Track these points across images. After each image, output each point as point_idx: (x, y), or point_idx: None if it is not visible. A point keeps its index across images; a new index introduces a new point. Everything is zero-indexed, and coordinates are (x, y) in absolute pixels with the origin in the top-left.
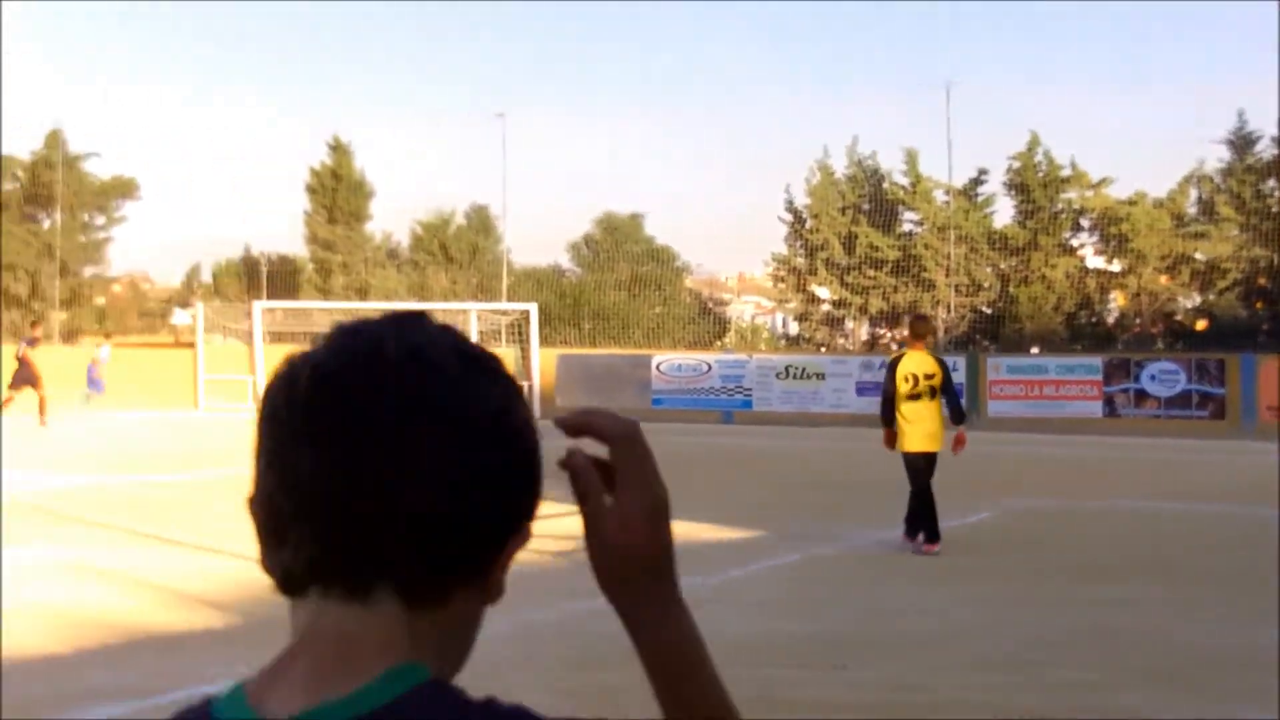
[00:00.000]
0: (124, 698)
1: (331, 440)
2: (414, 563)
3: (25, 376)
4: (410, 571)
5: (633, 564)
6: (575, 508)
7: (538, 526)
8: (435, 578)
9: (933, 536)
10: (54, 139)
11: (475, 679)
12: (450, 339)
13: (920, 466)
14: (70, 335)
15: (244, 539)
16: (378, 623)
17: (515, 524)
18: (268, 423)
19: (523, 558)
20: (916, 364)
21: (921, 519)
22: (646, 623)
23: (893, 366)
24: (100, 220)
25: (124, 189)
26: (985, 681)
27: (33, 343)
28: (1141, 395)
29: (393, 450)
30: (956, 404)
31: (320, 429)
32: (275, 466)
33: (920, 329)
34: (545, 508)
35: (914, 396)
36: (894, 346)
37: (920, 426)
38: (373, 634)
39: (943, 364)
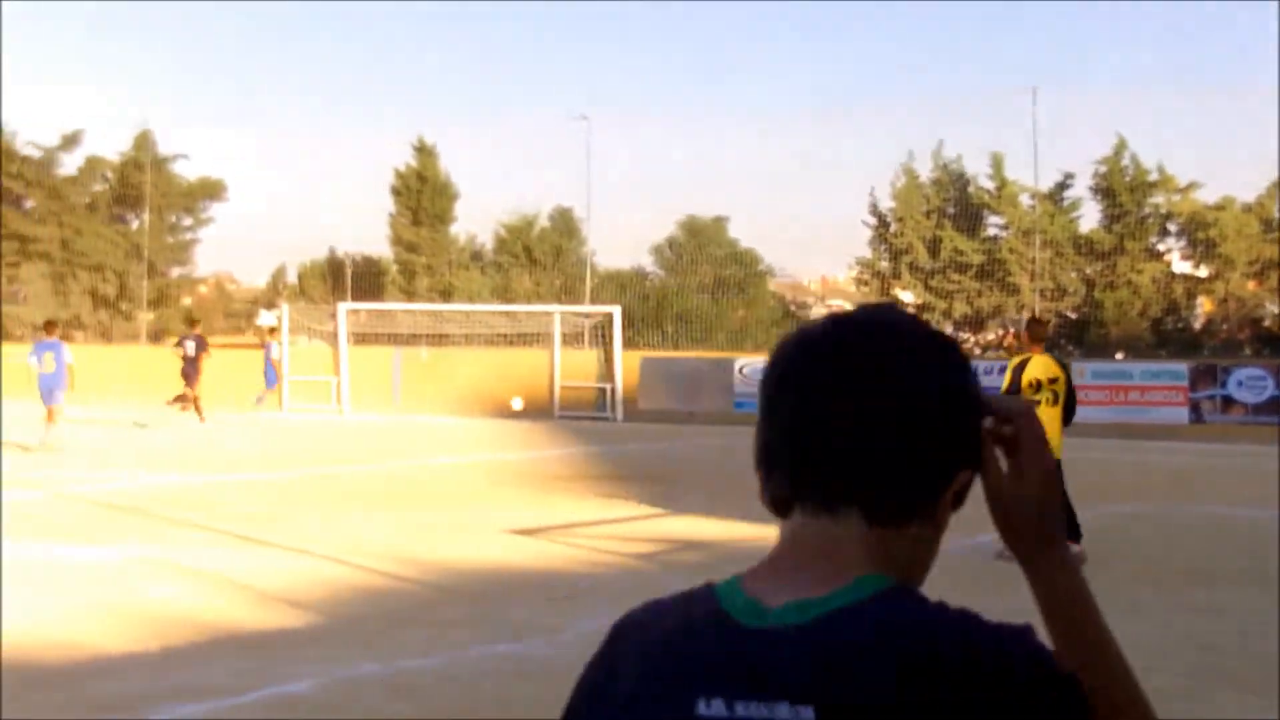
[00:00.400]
0: (209, 697)
1: (811, 390)
2: (875, 490)
3: (191, 374)
4: (872, 497)
5: (1028, 515)
6: (659, 511)
7: (627, 530)
8: (892, 504)
9: None
10: (143, 140)
11: (557, 683)
12: (913, 322)
13: None
14: (157, 335)
15: (328, 539)
16: (848, 537)
17: (958, 466)
18: (766, 383)
19: (608, 561)
20: (1042, 368)
21: None
22: (1041, 568)
23: (1017, 370)
24: (188, 221)
25: (211, 190)
26: None
27: (200, 342)
28: (1228, 401)
29: (861, 401)
30: (1071, 409)
31: (804, 382)
32: (770, 415)
33: (1039, 331)
34: (632, 510)
35: (1034, 402)
36: (977, 350)
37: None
38: (844, 547)
39: (1065, 368)
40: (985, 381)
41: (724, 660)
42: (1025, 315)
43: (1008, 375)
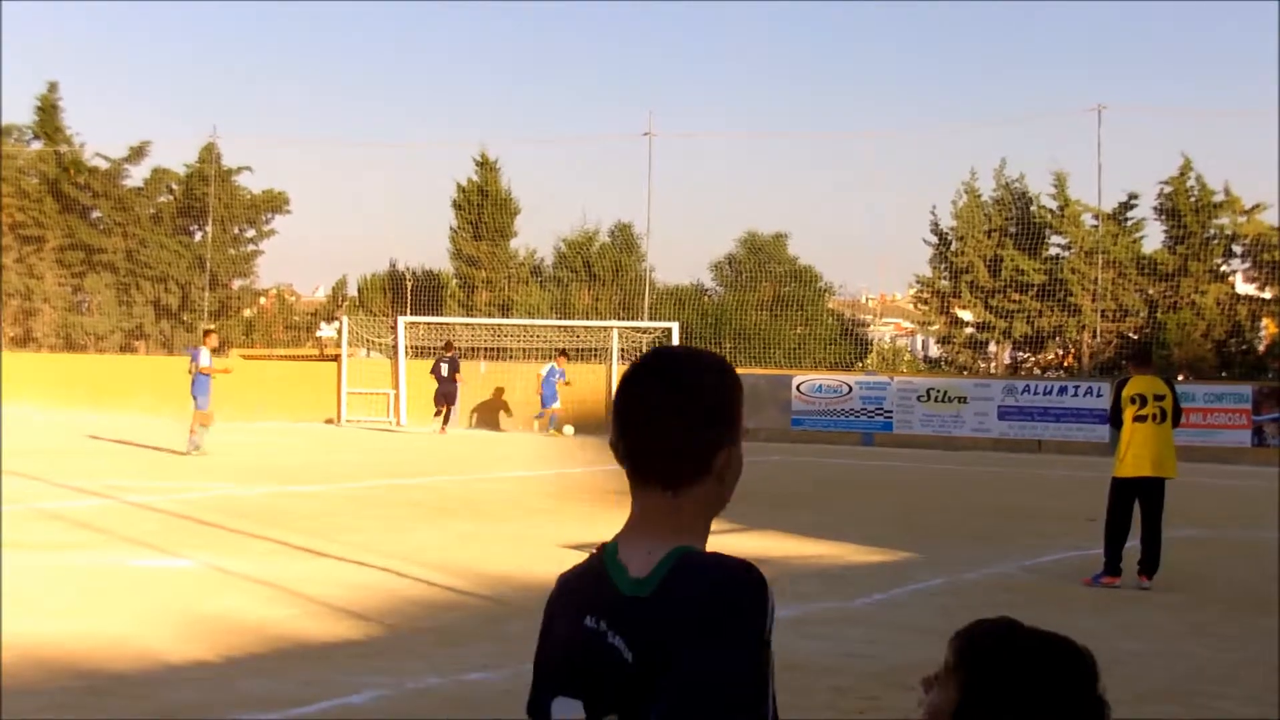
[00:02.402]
0: (272, 708)
1: (630, 400)
2: (668, 468)
3: (447, 392)
4: (667, 473)
5: None
6: (716, 527)
7: None
8: (678, 476)
9: (1113, 570)
10: (208, 153)
11: None
12: (691, 353)
13: (1131, 497)
14: (218, 348)
15: (387, 551)
16: (659, 503)
17: (721, 446)
18: (618, 395)
19: None
20: (1145, 384)
21: (1111, 547)
22: None
23: (1118, 387)
24: (250, 233)
25: (275, 203)
26: (1146, 713)
27: (454, 363)
28: None
29: (652, 411)
30: (1176, 423)
31: (625, 400)
32: (616, 421)
33: (1146, 355)
34: None
35: (1140, 419)
36: (1037, 370)
37: (1144, 450)
38: (663, 514)
39: (1172, 388)
40: (1040, 402)
41: (600, 600)
42: (1085, 337)
43: (1111, 392)
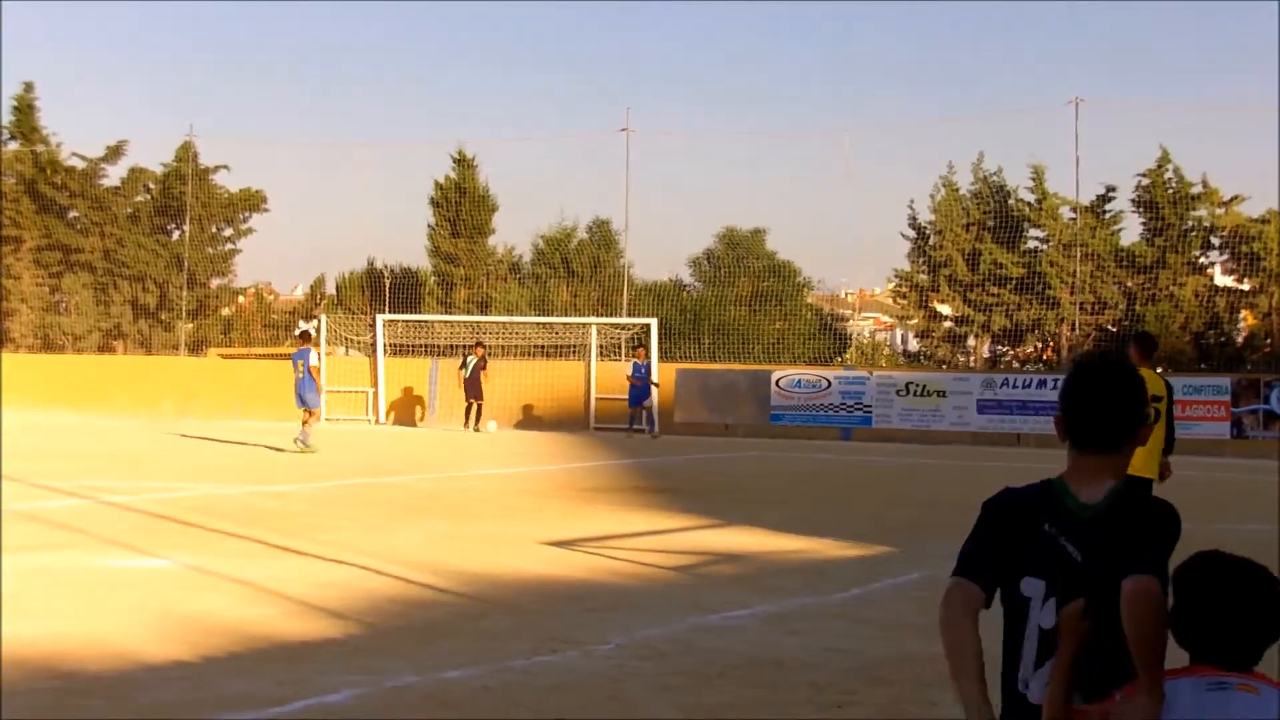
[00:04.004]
0: (251, 707)
1: (1091, 392)
2: (1116, 437)
3: (476, 390)
4: (1115, 440)
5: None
6: (696, 523)
7: (663, 543)
8: (1120, 442)
9: None
10: (185, 151)
11: (595, 694)
12: (1123, 360)
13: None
14: (196, 346)
15: (366, 549)
16: (1104, 460)
17: (1140, 424)
18: (1071, 388)
19: (645, 573)
20: (1148, 384)
21: None
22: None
23: None
24: (228, 232)
25: (252, 201)
26: None
27: (481, 361)
28: (1271, 417)
29: (1111, 401)
30: (1171, 432)
31: (1084, 393)
32: (1073, 402)
33: (1148, 347)
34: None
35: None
36: (1016, 364)
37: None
38: (1107, 465)
39: (1169, 387)
40: (1019, 395)
41: (1056, 515)
42: (1063, 330)
43: None
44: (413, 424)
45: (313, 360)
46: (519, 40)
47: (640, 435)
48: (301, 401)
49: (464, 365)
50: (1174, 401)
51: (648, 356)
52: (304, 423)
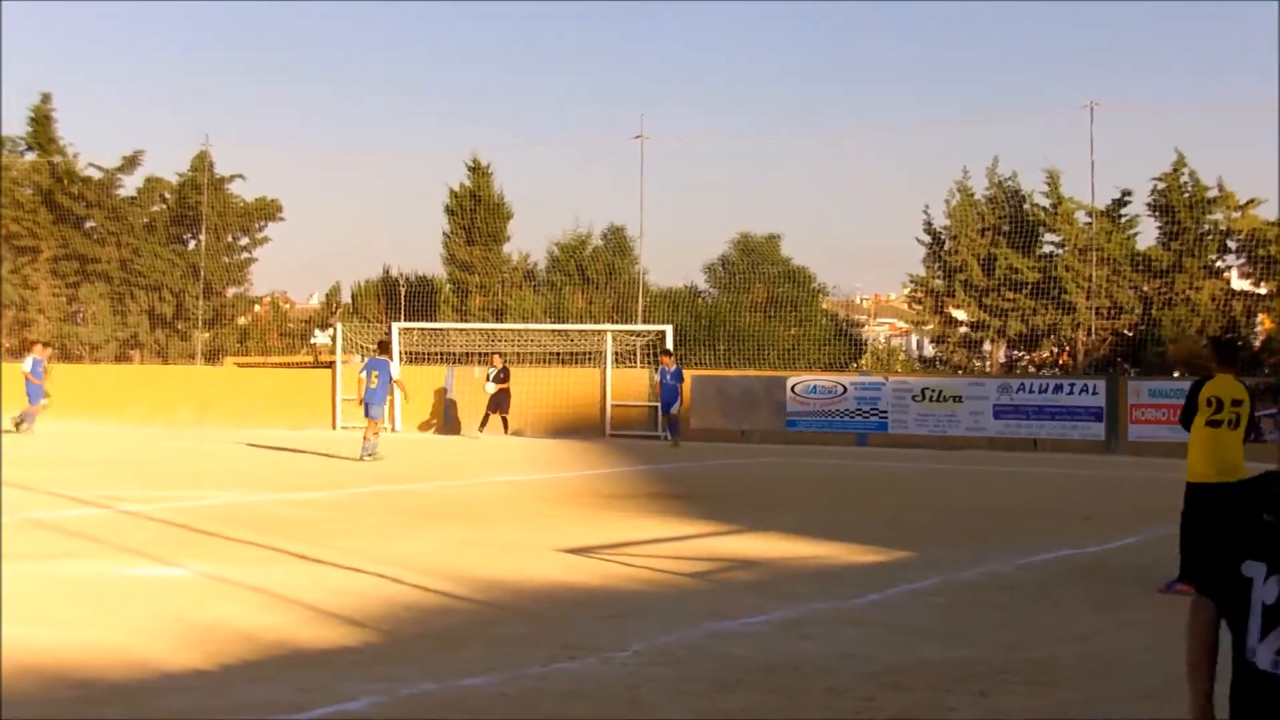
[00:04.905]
0: (268, 715)
1: None
2: None
3: (500, 402)
4: None
5: None
6: (712, 529)
7: (680, 549)
8: None
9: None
10: (200, 161)
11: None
12: None
13: (1199, 499)
14: (213, 355)
15: (384, 556)
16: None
17: None
18: None
19: (661, 580)
20: (1224, 388)
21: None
22: None
23: (1194, 389)
24: (244, 241)
25: (268, 210)
26: (1146, 711)
27: (504, 373)
28: None
29: None
30: (1246, 436)
31: None
32: None
33: (1228, 354)
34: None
35: (1214, 423)
36: (1032, 368)
37: (1215, 455)
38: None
39: (1251, 395)
40: (1036, 400)
41: (1275, 505)
42: (1079, 335)
43: (1187, 396)
44: (429, 431)
45: (395, 373)
46: (534, 47)
47: (661, 441)
48: (367, 412)
49: (495, 377)
50: (1254, 410)
51: (676, 363)
52: (366, 436)
